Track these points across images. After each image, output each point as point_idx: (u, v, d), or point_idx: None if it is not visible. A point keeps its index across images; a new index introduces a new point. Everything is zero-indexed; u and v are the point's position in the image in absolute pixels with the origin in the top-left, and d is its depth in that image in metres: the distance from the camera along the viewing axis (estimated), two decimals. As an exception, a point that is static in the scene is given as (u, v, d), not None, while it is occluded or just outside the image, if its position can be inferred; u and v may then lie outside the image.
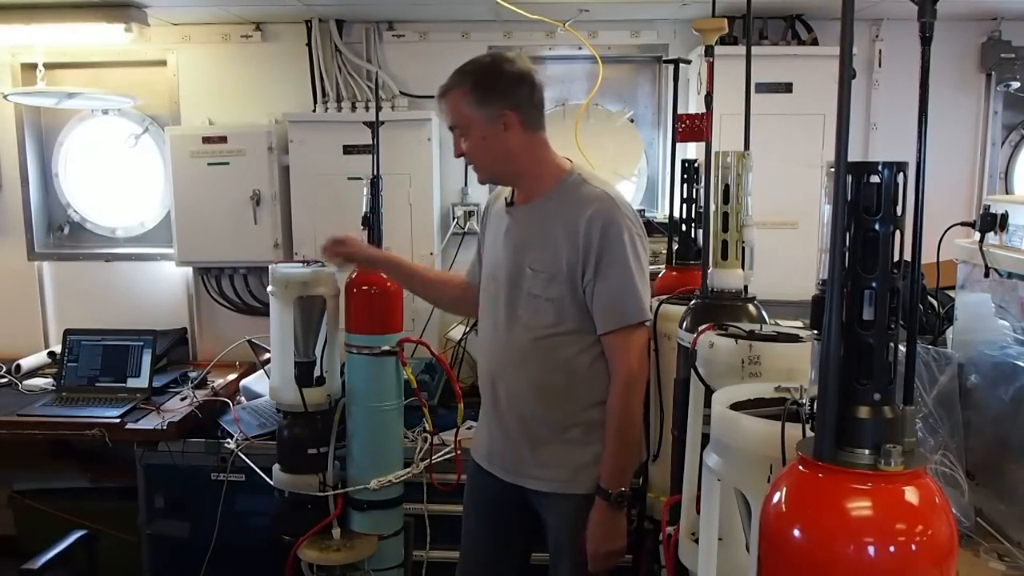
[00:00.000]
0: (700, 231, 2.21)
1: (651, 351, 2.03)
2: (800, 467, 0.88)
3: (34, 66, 3.26)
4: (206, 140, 3.28)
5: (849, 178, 0.87)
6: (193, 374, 3.22)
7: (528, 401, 1.98)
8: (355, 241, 2.30)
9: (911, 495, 0.83)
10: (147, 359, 3.12)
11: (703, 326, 1.49)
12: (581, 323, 1.93)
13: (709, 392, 1.36)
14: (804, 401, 1.06)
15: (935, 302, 2.48)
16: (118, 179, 3.63)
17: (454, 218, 3.43)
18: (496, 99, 1.91)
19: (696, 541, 1.34)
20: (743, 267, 1.66)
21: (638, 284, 1.89)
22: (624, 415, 1.90)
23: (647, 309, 1.92)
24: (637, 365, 1.90)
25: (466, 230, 3.42)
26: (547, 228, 1.94)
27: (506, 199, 2.08)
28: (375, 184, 2.45)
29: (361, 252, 2.29)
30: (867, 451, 0.86)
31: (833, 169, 0.87)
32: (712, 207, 1.68)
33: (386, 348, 2.38)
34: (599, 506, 1.91)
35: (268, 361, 2.74)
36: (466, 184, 3.43)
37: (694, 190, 2.30)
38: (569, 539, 1.96)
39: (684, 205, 2.32)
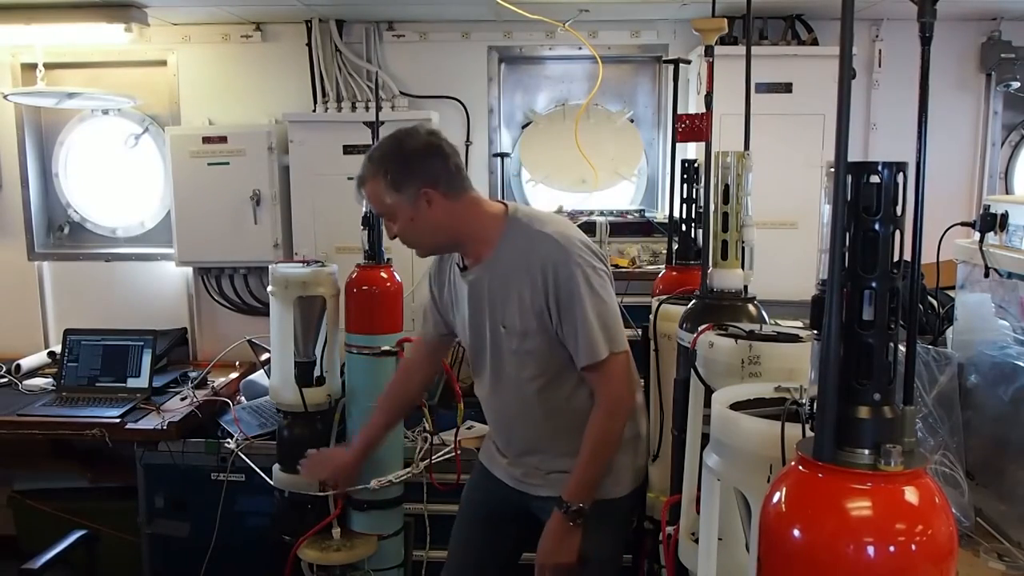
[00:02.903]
0: (700, 231, 2.21)
1: (651, 351, 2.03)
2: (800, 467, 0.88)
3: (34, 66, 3.26)
4: (206, 140, 3.28)
5: (849, 178, 0.87)
6: (193, 374, 3.23)
7: (539, 443, 2.01)
8: (331, 460, 2.30)
9: (911, 495, 0.83)
10: (147, 359, 3.12)
11: (703, 326, 1.49)
12: (566, 364, 1.91)
13: (709, 392, 1.36)
14: (804, 401, 1.06)
15: (935, 302, 2.48)
16: (118, 179, 3.63)
17: (454, 218, 3.42)
18: (411, 180, 1.86)
19: (696, 541, 1.34)
20: (743, 267, 1.66)
21: (600, 321, 1.84)
22: (602, 438, 1.89)
23: (619, 339, 1.88)
24: (621, 391, 1.90)
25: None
26: (507, 283, 1.90)
27: (458, 264, 2.02)
28: (375, 184, 2.44)
29: (338, 473, 2.29)
30: (867, 451, 0.86)
31: (833, 169, 0.87)
32: (712, 207, 1.68)
33: (386, 348, 2.38)
34: (555, 517, 1.90)
35: (268, 361, 2.74)
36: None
37: (694, 190, 2.30)
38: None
39: (684, 205, 2.33)
